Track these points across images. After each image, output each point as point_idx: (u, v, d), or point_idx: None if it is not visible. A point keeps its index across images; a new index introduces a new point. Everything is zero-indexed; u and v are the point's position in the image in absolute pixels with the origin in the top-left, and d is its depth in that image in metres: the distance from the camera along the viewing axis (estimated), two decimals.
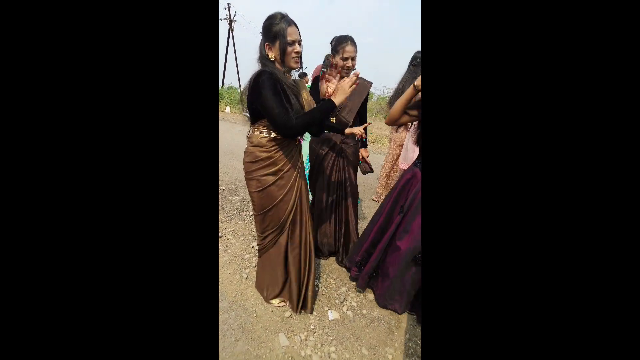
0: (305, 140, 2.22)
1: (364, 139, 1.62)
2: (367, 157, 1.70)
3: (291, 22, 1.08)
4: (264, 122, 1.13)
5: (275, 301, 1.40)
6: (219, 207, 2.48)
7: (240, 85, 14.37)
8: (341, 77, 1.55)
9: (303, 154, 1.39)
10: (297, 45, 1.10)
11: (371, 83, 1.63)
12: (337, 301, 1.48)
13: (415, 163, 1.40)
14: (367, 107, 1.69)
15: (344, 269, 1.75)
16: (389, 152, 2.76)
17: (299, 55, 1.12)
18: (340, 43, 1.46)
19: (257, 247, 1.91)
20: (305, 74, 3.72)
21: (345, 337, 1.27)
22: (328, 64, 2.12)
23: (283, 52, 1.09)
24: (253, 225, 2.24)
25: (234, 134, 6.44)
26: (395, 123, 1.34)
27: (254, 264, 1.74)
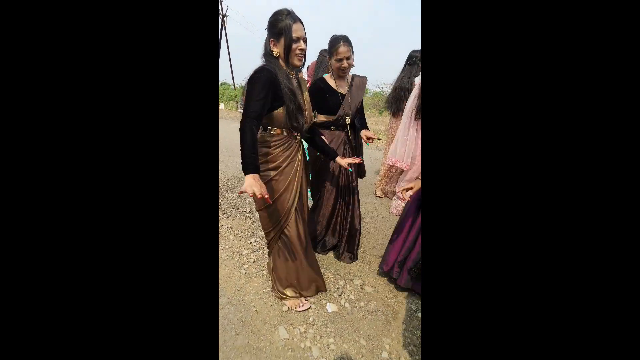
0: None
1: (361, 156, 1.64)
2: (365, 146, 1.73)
3: (297, 19, 1.07)
4: (263, 119, 1.13)
5: (294, 301, 1.40)
6: None
7: (233, 81, 14.20)
8: (339, 77, 1.57)
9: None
10: (301, 42, 1.09)
11: (366, 78, 1.67)
12: (335, 294, 1.51)
13: None
14: (363, 102, 1.72)
15: (342, 263, 1.78)
16: (386, 147, 2.78)
17: (303, 53, 1.12)
18: (333, 45, 1.47)
19: (254, 243, 1.92)
20: (300, 70, 3.70)
21: (343, 329, 1.30)
22: (322, 60, 2.11)
23: (288, 49, 1.09)
24: (250, 222, 2.25)
25: (229, 131, 6.40)
26: None
27: (252, 260, 1.75)
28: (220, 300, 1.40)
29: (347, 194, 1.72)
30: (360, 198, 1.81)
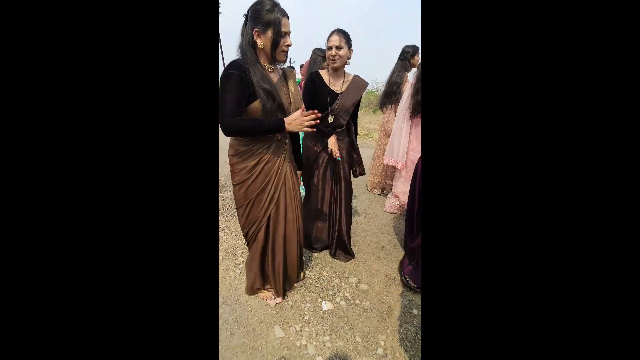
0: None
1: (337, 159, 1.59)
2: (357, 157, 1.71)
3: (285, 13, 1.04)
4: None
5: (265, 294, 1.41)
6: None
7: None
8: (333, 72, 1.54)
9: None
10: (288, 38, 1.06)
11: (367, 83, 1.62)
12: (330, 292, 1.52)
13: None
14: (358, 107, 1.68)
15: (337, 261, 1.78)
16: (379, 141, 2.79)
17: (288, 49, 1.08)
18: (328, 36, 1.47)
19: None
20: (292, 68, 3.70)
21: (339, 327, 1.31)
22: (315, 59, 2.11)
23: (275, 44, 1.04)
24: None
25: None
26: None
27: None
28: None
29: (339, 190, 1.70)
30: (353, 195, 1.82)
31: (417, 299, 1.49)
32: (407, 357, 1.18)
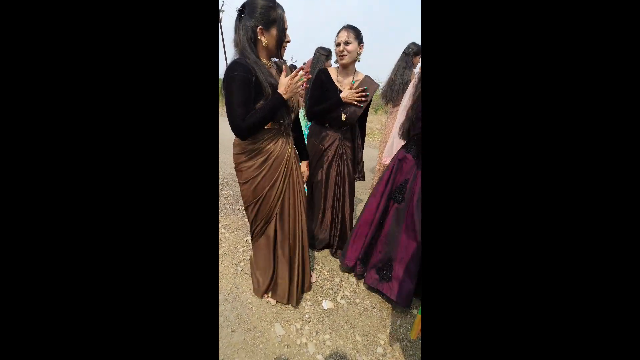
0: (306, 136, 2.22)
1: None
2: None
3: (283, 8, 1.04)
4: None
5: (270, 299, 1.40)
6: None
7: None
8: (342, 70, 1.52)
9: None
10: (288, 34, 1.07)
11: (378, 85, 1.58)
12: (330, 291, 1.52)
13: (406, 148, 1.37)
14: (367, 111, 1.65)
15: (338, 260, 1.79)
16: (381, 144, 2.79)
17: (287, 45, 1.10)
18: (337, 32, 1.46)
19: (250, 240, 1.93)
20: (295, 67, 3.70)
21: (339, 325, 1.31)
22: (318, 57, 2.11)
23: (280, 41, 1.05)
24: (246, 219, 2.25)
25: (227, 127, 6.34)
26: None
27: (248, 257, 1.75)
28: None
29: (342, 189, 1.70)
30: (356, 196, 1.82)
31: (417, 299, 1.50)
32: (406, 356, 1.19)
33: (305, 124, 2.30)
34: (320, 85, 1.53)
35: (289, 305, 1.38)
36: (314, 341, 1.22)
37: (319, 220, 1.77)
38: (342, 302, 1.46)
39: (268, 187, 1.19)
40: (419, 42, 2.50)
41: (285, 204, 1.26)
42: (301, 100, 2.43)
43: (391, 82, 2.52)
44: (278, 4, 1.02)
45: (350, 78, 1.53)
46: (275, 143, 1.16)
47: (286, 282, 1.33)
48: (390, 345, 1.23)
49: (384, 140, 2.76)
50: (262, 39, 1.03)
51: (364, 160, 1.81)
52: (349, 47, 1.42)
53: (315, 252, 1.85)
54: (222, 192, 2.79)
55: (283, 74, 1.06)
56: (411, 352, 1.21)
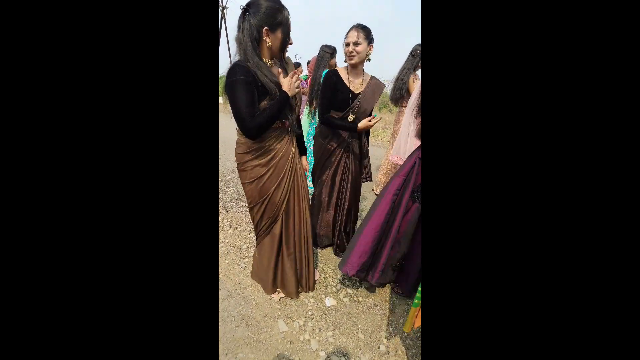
0: (310, 135, 2.22)
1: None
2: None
3: (289, 12, 1.05)
4: None
5: (275, 297, 1.41)
6: None
7: None
8: (352, 69, 1.51)
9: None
10: (291, 37, 1.08)
11: (384, 85, 1.57)
12: (334, 289, 1.53)
13: (419, 149, 1.31)
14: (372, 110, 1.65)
15: (340, 258, 1.80)
16: (390, 143, 2.79)
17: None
18: (347, 32, 1.44)
19: (254, 237, 1.93)
20: (299, 64, 3.69)
21: (342, 323, 1.32)
22: (322, 55, 2.10)
23: (284, 44, 1.06)
24: (249, 216, 2.26)
25: (229, 125, 6.35)
26: None
27: (252, 254, 1.76)
28: (220, 293, 1.42)
29: (347, 188, 1.70)
30: (365, 199, 1.81)
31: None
32: (409, 354, 1.19)
33: (309, 123, 2.30)
34: (331, 86, 1.51)
35: (292, 302, 1.39)
36: (317, 338, 1.23)
37: (323, 219, 1.78)
38: (345, 299, 1.46)
39: (274, 186, 1.20)
40: (418, 41, 2.48)
41: (291, 202, 1.27)
42: (304, 99, 2.42)
43: (396, 82, 2.52)
44: (284, 6, 1.03)
45: (360, 78, 1.52)
46: (281, 142, 1.18)
47: (292, 280, 1.35)
48: (392, 343, 1.24)
49: (392, 139, 2.75)
50: (267, 39, 1.03)
51: (371, 159, 1.81)
52: (359, 48, 1.40)
53: (319, 250, 1.85)
54: (226, 189, 2.80)
55: (281, 75, 1.09)
56: (414, 351, 1.21)
